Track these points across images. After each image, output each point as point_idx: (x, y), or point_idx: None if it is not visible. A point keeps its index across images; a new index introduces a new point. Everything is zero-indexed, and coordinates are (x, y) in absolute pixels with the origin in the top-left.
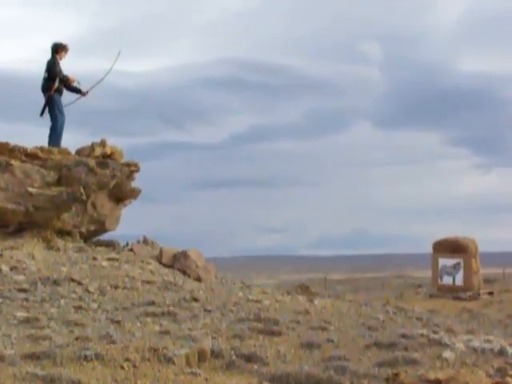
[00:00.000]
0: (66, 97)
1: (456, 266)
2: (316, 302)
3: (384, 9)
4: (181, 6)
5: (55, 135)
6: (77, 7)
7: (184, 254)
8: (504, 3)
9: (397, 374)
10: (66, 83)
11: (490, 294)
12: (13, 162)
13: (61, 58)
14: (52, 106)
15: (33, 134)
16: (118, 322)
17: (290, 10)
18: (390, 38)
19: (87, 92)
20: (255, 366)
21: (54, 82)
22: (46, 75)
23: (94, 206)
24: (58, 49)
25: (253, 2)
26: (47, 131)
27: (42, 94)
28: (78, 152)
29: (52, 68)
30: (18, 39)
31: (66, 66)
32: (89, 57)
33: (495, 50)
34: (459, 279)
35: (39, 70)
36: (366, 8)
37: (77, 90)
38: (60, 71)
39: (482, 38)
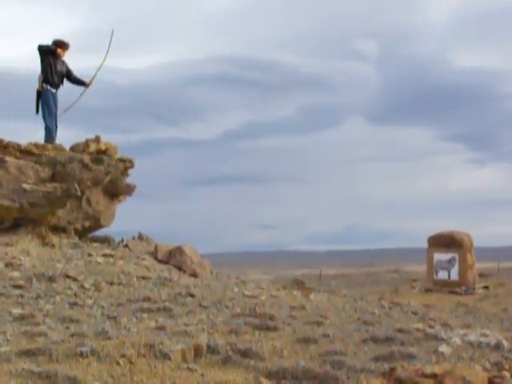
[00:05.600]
0: (70, 94)
1: (451, 261)
2: (312, 297)
3: (378, 6)
4: (175, 3)
5: (46, 133)
6: (69, 6)
7: (179, 250)
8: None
9: (393, 369)
10: (69, 76)
11: (486, 288)
12: (7, 158)
13: (60, 54)
14: (42, 104)
15: (30, 131)
16: (114, 318)
17: (284, 8)
18: (385, 34)
19: (90, 82)
20: (251, 362)
21: (40, 78)
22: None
23: (88, 202)
24: (57, 45)
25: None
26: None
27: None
28: (73, 148)
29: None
30: (11, 37)
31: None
32: (81, 55)
33: (488, 46)
34: (454, 274)
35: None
36: (361, 5)
37: (80, 82)
38: (48, 70)
39: (475, 34)
